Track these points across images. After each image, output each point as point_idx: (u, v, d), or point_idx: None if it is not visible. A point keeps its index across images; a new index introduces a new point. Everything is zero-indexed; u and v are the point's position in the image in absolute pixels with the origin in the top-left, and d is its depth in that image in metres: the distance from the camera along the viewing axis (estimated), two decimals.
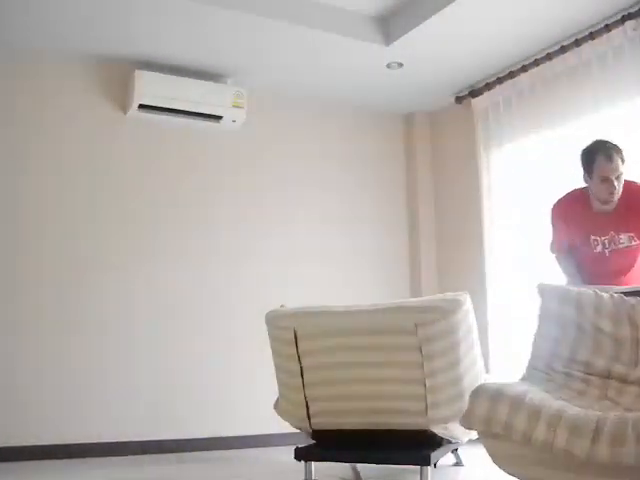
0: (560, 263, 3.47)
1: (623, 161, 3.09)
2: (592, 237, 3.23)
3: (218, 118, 4.68)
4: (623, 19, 3.83)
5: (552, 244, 3.48)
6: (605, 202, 3.15)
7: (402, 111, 5.53)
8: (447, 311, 2.87)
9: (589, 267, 3.32)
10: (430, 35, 4.20)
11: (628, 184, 3.15)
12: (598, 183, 3.11)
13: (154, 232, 4.54)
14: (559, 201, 3.38)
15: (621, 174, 3.09)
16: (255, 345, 3.97)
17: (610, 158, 3.07)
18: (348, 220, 5.19)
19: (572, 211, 3.29)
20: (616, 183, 3.08)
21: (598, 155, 3.10)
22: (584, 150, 3.22)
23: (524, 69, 4.48)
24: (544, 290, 2.69)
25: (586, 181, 3.20)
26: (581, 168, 3.20)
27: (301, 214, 5.05)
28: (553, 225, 3.40)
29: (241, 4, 3.93)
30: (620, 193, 3.12)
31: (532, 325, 2.68)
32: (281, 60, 4.58)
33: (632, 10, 3.81)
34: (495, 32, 4.20)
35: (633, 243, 3.17)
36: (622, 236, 3.17)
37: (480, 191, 4.87)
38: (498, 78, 4.71)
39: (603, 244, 3.21)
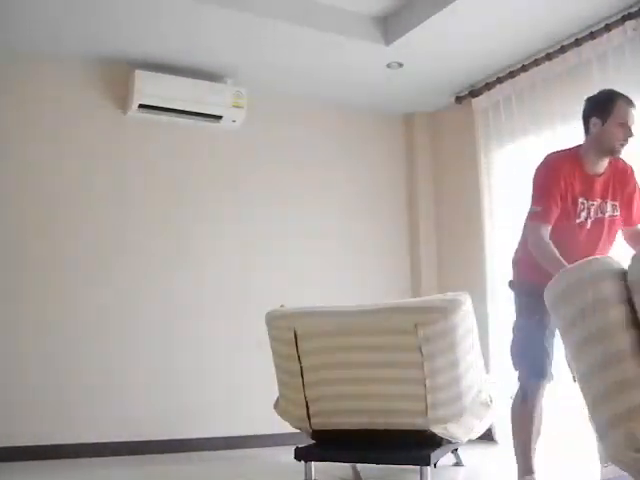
0: (542, 241, 2.76)
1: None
2: (580, 199, 2.80)
3: (218, 118, 4.68)
4: (623, 19, 3.83)
5: (539, 211, 2.79)
6: (612, 152, 2.81)
7: (402, 111, 5.52)
8: (447, 311, 2.87)
9: (560, 245, 2.77)
10: (430, 35, 4.20)
11: (616, 159, 2.91)
12: (614, 127, 2.78)
13: (154, 232, 4.53)
14: (553, 156, 2.90)
15: (632, 125, 2.83)
16: (255, 345, 3.97)
17: (631, 103, 2.82)
18: (348, 220, 5.19)
19: (568, 167, 2.82)
20: (630, 132, 2.80)
21: (619, 99, 2.82)
22: (599, 94, 2.91)
23: (524, 69, 4.47)
24: None
25: (591, 130, 2.84)
26: (588, 115, 2.86)
27: (301, 214, 5.04)
28: (549, 183, 2.80)
29: (241, 4, 3.93)
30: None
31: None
32: (281, 60, 4.58)
33: (632, 10, 3.80)
34: (495, 32, 4.19)
35: (616, 213, 2.86)
36: (608, 204, 2.84)
37: (480, 191, 4.87)
38: (498, 78, 4.70)
39: (588, 210, 2.82)
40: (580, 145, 2.90)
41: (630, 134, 2.80)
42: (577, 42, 4.10)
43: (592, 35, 4.00)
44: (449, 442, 3.06)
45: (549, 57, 4.29)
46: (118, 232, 4.43)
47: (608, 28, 3.91)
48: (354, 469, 3.38)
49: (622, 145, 2.81)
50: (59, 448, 4.02)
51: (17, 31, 4.10)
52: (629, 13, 3.81)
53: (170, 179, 4.65)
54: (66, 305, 4.22)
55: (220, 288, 4.67)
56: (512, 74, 4.57)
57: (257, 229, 4.85)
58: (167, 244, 4.56)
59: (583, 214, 2.82)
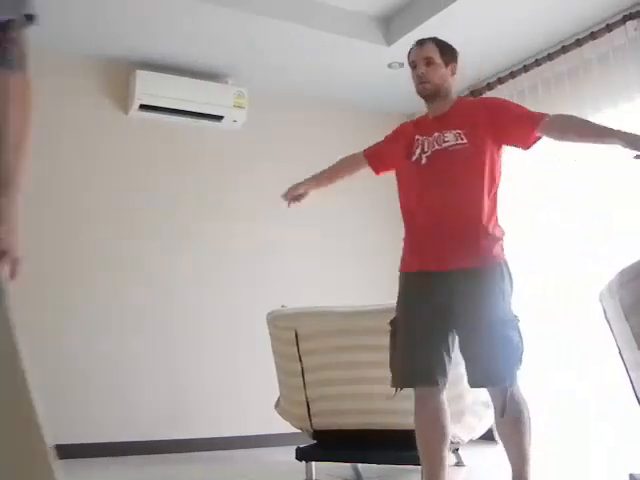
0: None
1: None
2: (416, 136, 2.73)
3: (219, 118, 4.69)
4: (624, 19, 3.83)
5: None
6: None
7: (403, 111, 5.51)
8: None
9: (402, 194, 2.98)
10: (431, 35, 4.19)
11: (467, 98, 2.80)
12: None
13: (155, 232, 4.54)
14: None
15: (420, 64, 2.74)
16: (256, 345, 3.97)
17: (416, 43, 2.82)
18: (348, 220, 5.19)
19: (404, 125, 2.91)
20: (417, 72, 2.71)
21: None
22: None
23: (525, 69, 4.47)
24: None
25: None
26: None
27: (301, 214, 5.03)
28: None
29: (242, 4, 3.93)
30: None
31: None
32: (282, 60, 4.58)
33: (633, 10, 3.81)
34: (496, 32, 4.20)
35: (460, 141, 2.66)
36: (448, 134, 2.65)
37: None
38: (499, 78, 4.71)
39: (422, 146, 2.71)
40: None
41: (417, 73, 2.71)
42: (578, 42, 4.10)
43: (593, 35, 4.00)
44: (450, 442, 3.05)
45: (550, 57, 4.29)
46: (118, 232, 4.43)
47: (609, 28, 3.91)
48: (355, 469, 3.38)
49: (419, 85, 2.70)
50: (59, 448, 3.99)
51: None
52: (630, 13, 3.82)
53: (171, 179, 4.65)
54: (66, 305, 4.22)
55: (220, 288, 4.67)
56: (513, 74, 4.57)
57: (257, 229, 4.85)
58: (168, 244, 4.56)
59: (417, 151, 2.77)
